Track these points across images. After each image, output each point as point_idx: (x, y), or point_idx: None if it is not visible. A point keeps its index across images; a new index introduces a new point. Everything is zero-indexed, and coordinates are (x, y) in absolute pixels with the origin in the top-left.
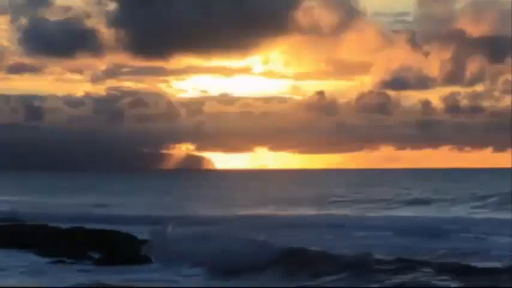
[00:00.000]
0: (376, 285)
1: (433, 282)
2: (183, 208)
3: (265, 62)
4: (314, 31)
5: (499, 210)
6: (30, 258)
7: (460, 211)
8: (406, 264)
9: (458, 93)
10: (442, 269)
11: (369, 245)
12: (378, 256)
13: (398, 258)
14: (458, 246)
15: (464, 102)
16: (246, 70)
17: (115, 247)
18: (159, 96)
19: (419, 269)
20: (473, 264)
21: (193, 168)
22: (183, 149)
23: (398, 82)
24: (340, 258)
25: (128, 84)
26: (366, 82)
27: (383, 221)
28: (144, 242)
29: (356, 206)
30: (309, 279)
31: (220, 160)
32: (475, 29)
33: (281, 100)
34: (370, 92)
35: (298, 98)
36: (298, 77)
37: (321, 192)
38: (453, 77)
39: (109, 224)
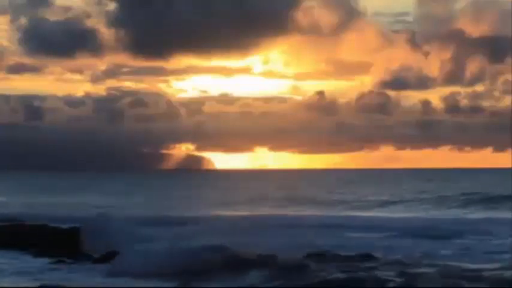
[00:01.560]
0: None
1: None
2: (170, 208)
3: (265, 62)
4: (314, 31)
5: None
6: (30, 258)
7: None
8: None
9: (458, 93)
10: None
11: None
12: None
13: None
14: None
15: (464, 102)
16: (246, 70)
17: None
18: (159, 96)
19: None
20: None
21: (193, 168)
22: (183, 149)
23: (398, 82)
24: (278, 258)
25: (128, 84)
26: (366, 82)
27: (380, 222)
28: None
29: (352, 206)
30: (237, 278)
31: (220, 160)
32: (475, 29)
33: (281, 100)
34: (370, 92)
35: (298, 98)
36: (298, 77)
37: (319, 193)
38: (453, 77)
39: None
